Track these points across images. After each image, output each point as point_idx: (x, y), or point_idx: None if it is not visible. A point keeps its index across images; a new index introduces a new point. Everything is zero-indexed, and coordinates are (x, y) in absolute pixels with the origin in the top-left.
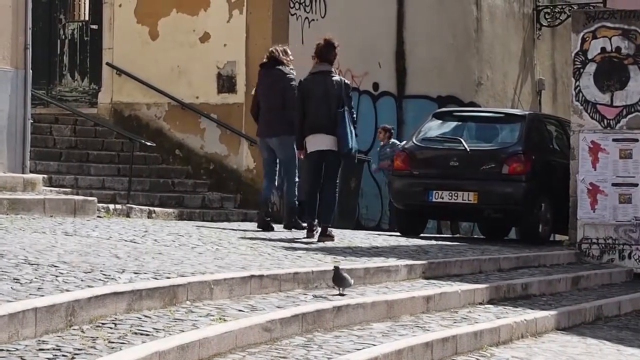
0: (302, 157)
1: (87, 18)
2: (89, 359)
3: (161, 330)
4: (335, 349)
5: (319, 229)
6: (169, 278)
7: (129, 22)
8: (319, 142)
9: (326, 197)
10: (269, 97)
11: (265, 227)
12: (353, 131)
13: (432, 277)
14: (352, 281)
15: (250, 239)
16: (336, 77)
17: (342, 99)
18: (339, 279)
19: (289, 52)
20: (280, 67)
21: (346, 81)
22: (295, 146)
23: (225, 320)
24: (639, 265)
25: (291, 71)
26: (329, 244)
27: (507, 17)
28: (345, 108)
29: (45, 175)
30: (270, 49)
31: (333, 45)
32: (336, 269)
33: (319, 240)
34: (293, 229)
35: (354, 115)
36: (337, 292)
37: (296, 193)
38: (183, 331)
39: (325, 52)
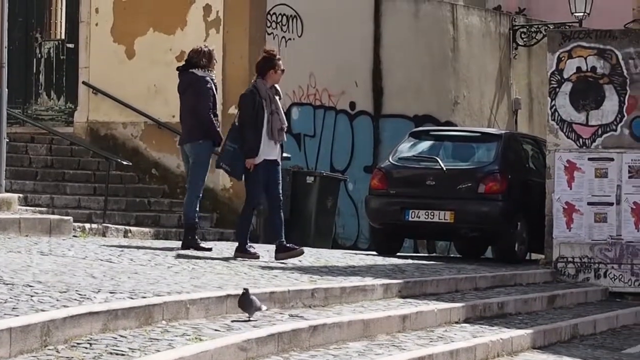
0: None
1: (63, 37)
2: None
3: (137, 350)
4: None
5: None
6: (144, 298)
7: (105, 41)
8: None
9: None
10: (183, 102)
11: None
12: (229, 144)
13: (408, 296)
14: (261, 305)
15: (225, 259)
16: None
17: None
18: (244, 304)
19: (214, 55)
20: (194, 70)
21: (244, 92)
22: (207, 154)
23: (201, 340)
24: (615, 284)
25: (209, 74)
26: (305, 262)
27: (483, 36)
28: (235, 122)
29: (20, 195)
30: (190, 51)
31: (264, 56)
32: (244, 292)
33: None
34: (191, 249)
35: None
36: (245, 319)
37: (197, 208)
38: (159, 351)
39: (258, 64)
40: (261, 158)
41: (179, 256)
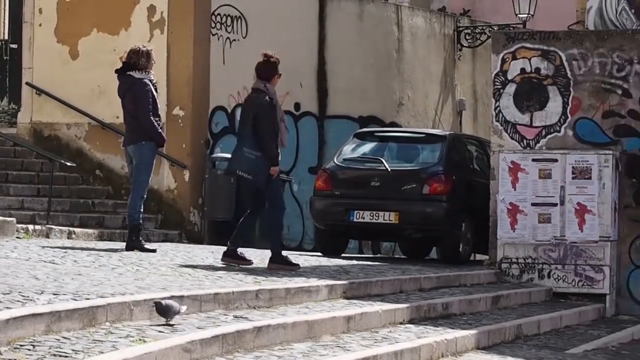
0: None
1: (6, 37)
2: None
3: (80, 352)
4: None
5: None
6: (88, 299)
7: (49, 42)
8: None
9: (268, 222)
10: (124, 104)
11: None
12: (248, 151)
13: (353, 297)
14: (180, 308)
15: (170, 260)
16: (262, 95)
17: (250, 118)
18: (161, 312)
19: (152, 55)
20: (131, 72)
21: (266, 98)
22: (151, 155)
23: (145, 342)
24: (558, 285)
25: (147, 75)
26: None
27: (428, 37)
28: (248, 127)
29: None
30: (129, 51)
31: (268, 60)
32: (155, 304)
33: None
34: (136, 250)
35: (268, 135)
36: (165, 323)
37: (141, 209)
38: (102, 352)
39: (259, 68)
40: None
41: (123, 257)
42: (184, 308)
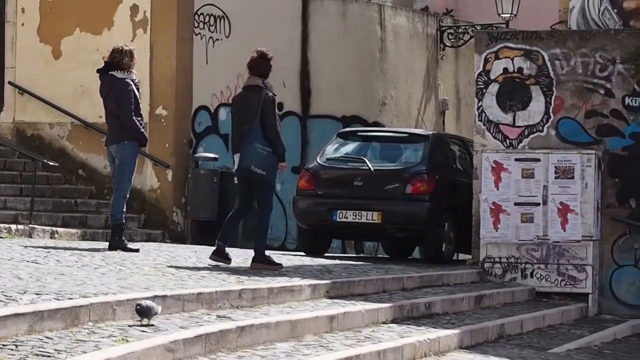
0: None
1: None
2: None
3: (63, 352)
4: None
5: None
6: (71, 299)
7: (31, 41)
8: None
9: (259, 220)
10: (106, 104)
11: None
12: (260, 147)
13: (336, 297)
14: (157, 307)
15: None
16: (264, 92)
17: (257, 115)
18: (143, 311)
19: (134, 55)
20: (113, 72)
21: (269, 94)
22: (133, 155)
23: (127, 341)
24: (541, 284)
25: (129, 75)
26: (233, 263)
27: (411, 37)
28: (253, 124)
29: None
30: (112, 50)
31: (264, 57)
32: (139, 304)
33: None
34: (119, 250)
35: (276, 132)
36: (146, 323)
37: (124, 209)
38: (85, 352)
39: (254, 64)
40: None
41: (105, 257)
42: (159, 309)
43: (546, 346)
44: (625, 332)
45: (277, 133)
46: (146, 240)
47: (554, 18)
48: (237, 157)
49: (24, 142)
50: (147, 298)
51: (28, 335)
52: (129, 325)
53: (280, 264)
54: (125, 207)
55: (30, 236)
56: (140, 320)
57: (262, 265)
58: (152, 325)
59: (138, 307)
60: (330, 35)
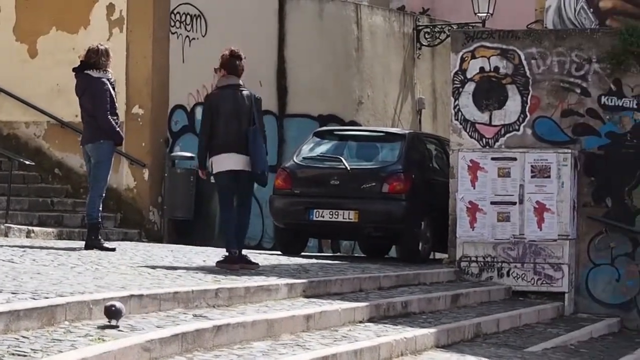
0: (202, 176)
1: None
2: None
3: (39, 351)
4: None
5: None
6: (47, 298)
7: (7, 40)
8: (230, 162)
9: (242, 221)
10: (82, 103)
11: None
12: (264, 150)
13: (312, 296)
14: (124, 308)
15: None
16: (246, 91)
17: (253, 115)
18: (110, 315)
19: (110, 54)
20: (89, 71)
21: (257, 95)
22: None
23: (104, 341)
24: (518, 283)
25: (105, 74)
26: (209, 262)
27: (387, 36)
28: (256, 125)
29: None
30: (87, 50)
31: (240, 56)
32: (108, 306)
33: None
34: (95, 249)
35: (265, 133)
36: (114, 324)
37: (100, 208)
38: (61, 352)
39: (232, 64)
40: None
41: (82, 256)
42: (124, 311)
43: (522, 345)
44: (602, 330)
45: (264, 133)
46: (122, 240)
47: (530, 17)
48: (230, 157)
49: (0, 141)
50: (122, 297)
51: (4, 335)
52: (106, 325)
53: (257, 263)
54: (101, 206)
55: (6, 235)
56: (109, 322)
57: (226, 265)
58: (118, 326)
59: (112, 308)
60: (307, 34)
